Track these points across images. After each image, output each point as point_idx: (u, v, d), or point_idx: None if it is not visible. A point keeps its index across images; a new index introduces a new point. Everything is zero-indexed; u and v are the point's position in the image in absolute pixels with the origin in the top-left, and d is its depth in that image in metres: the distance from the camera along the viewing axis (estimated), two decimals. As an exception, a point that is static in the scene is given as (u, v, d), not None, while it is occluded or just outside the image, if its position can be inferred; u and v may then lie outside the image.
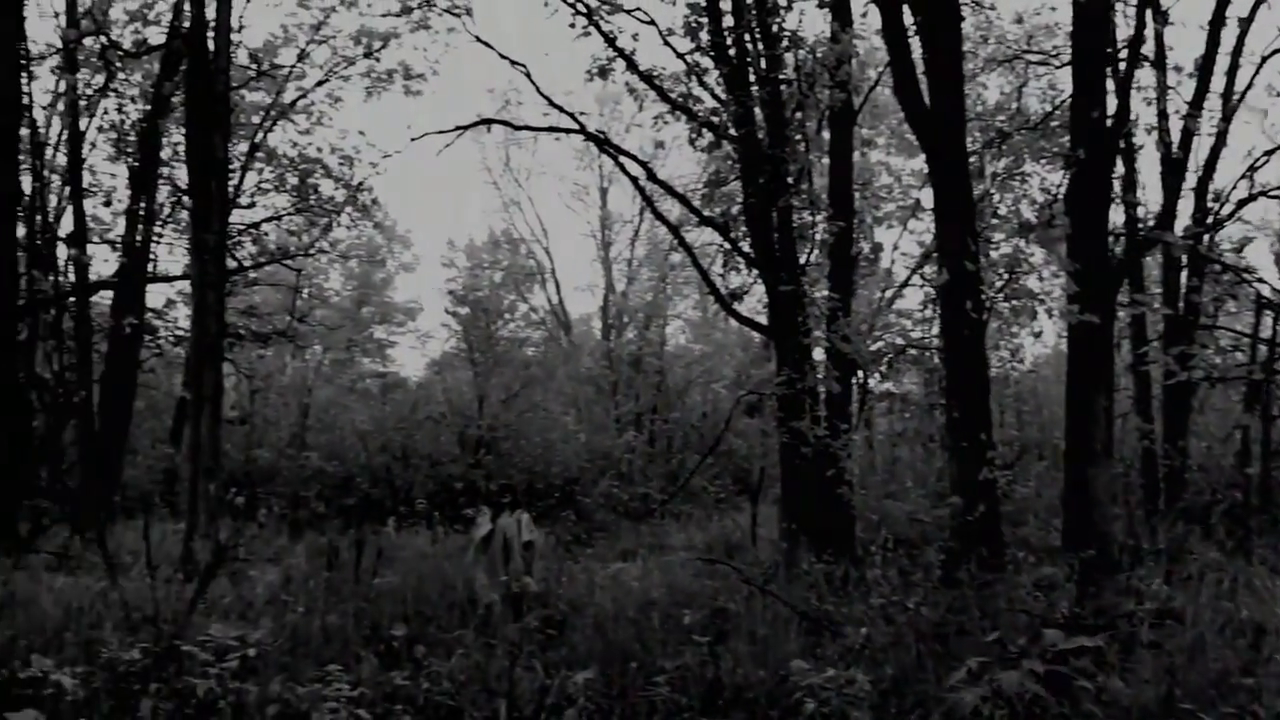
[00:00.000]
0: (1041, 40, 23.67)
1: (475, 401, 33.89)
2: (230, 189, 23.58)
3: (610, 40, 20.51)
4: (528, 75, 21.57)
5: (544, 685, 7.92)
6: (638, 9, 20.46)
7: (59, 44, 23.67)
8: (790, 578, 14.60)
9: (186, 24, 20.54)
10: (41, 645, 9.15)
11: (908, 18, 15.19)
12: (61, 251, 25.10)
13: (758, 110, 20.05)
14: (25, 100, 21.86)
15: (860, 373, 20.91)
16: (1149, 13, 16.39)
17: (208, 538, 16.28)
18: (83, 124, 25.08)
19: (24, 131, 22.05)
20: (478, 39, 21.86)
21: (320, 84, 27.78)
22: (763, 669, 8.72)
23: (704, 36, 20.18)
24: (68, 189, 25.31)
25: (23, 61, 21.12)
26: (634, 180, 23.62)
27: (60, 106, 25.63)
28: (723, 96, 20.38)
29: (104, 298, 26.79)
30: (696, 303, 44.92)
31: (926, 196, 24.77)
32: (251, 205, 28.39)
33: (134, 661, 8.05)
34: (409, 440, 32.05)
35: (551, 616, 12.22)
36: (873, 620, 10.32)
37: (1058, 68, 22.96)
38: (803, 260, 20.29)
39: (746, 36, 20.09)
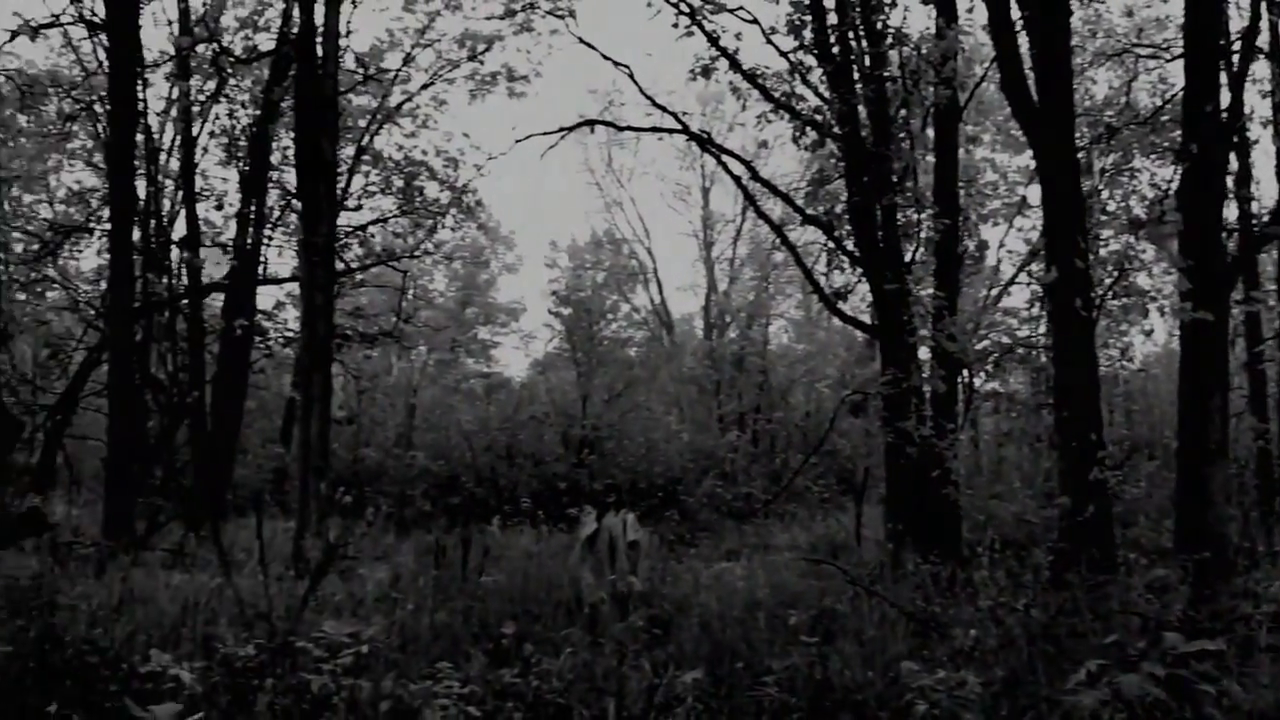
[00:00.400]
0: (1152, 33, 23.29)
1: (579, 401, 34.00)
2: (338, 192, 23.88)
3: (713, 40, 20.51)
4: (631, 76, 21.70)
5: (652, 684, 7.92)
6: (740, 8, 20.46)
7: (172, 51, 24.14)
8: (896, 578, 14.46)
9: (295, 30, 20.85)
10: (160, 640, 9.33)
11: (1015, 12, 15.02)
12: (175, 255, 25.68)
13: (862, 108, 19.93)
14: (140, 107, 22.35)
15: (966, 372, 20.69)
16: (1264, 4, 16.04)
17: (318, 536, 16.55)
18: (195, 129, 25.61)
19: (139, 138, 22.55)
20: (581, 40, 21.99)
21: (425, 87, 28.10)
22: (871, 670, 8.65)
23: (807, 35, 20.11)
24: (181, 193, 25.84)
25: (138, 69, 21.57)
26: (737, 179, 23.55)
27: (173, 113, 26.17)
28: (826, 95, 20.29)
29: (215, 300, 27.34)
30: (799, 302, 44.77)
31: (1033, 193, 24.43)
32: (358, 208, 28.81)
33: (249, 657, 8.20)
34: (513, 440, 32.25)
35: (657, 616, 12.20)
36: (981, 622, 10.19)
37: (1168, 61, 22.56)
38: (908, 258, 20.12)
39: (850, 34, 19.97)
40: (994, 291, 25.39)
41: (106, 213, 24.16)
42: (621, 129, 23.55)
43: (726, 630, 10.75)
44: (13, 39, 16.18)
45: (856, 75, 19.96)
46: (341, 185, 25.98)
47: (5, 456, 21.17)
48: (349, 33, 23.17)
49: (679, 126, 22.02)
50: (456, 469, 31.48)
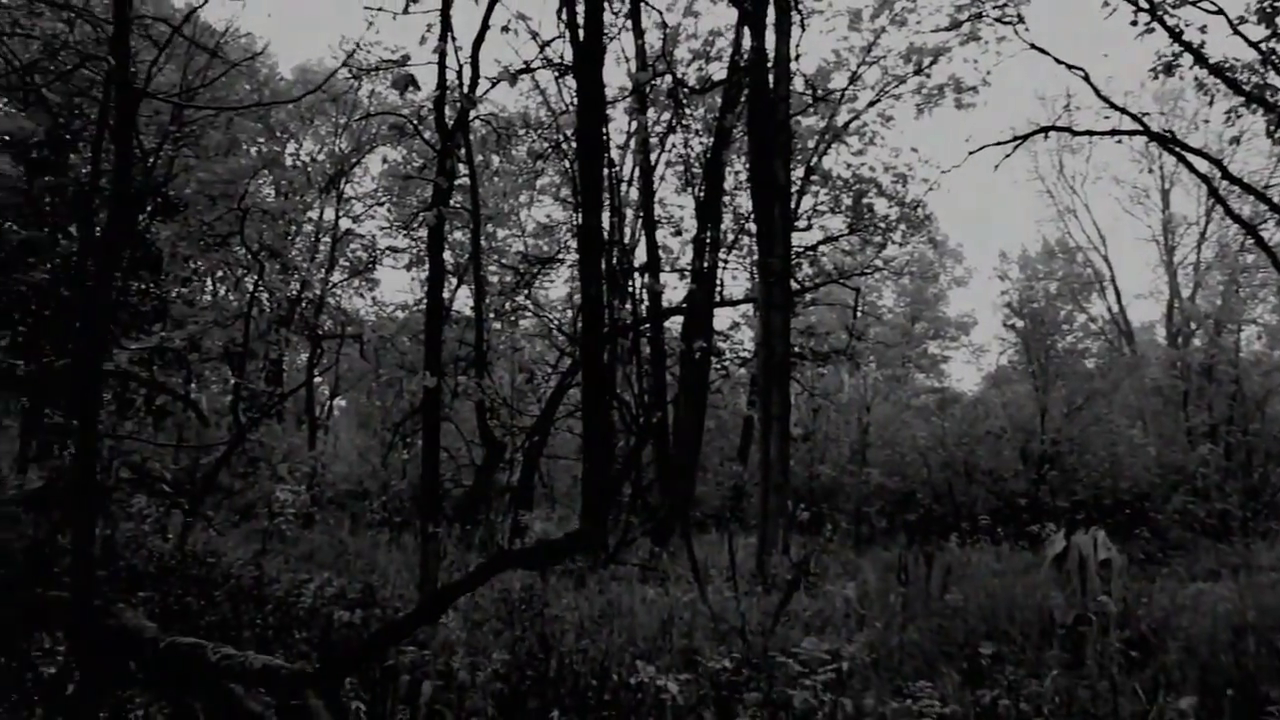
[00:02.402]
0: None
1: (1036, 415, 33.06)
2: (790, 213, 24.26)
3: (1176, 35, 19.57)
4: (1086, 78, 21.00)
5: (1143, 710, 7.62)
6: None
7: (631, 86, 25.19)
8: (1405, 603, 13.29)
9: (746, 58, 21.35)
10: (642, 652, 9.72)
11: None
12: (636, 280, 26.76)
13: (1346, 96, 18.53)
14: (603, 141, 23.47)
15: None
16: None
17: (783, 552, 16.82)
18: (653, 159, 26.64)
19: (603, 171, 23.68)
20: (1032, 46, 21.45)
21: (872, 104, 28.19)
22: (1391, 703, 8.00)
23: (1280, 21, 18.87)
24: (641, 221, 26.93)
25: (602, 107, 22.64)
26: (1204, 179, 22.41)
27: (632, 145, 27.34)
28: (1304, 84, 18.98)
29: (675, 322, 28.30)
30: (1275, 305, 41.89)
31: None
32: (808, 227, 29.18)
33: (727, 670, 8.43)
34: (970, 455, 31.73)
35: (1133, 638, 11.70)
36: None
37: None
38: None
39: (1332, 16, 18.60)
40: None
41: (574, 243, 25.47)
42: (1079, 134, 22.82)
43: (1217, 655, 10.16)
44: (494, 86, 17.34)
45: (1341, 60, 18.57)
46: (792, 206, 26.37)
47: (490, 476, 22.60)
48: (798, 56, 23.55)
49: (1139, 127, 21.13)
50: (912, 485, 31.30)
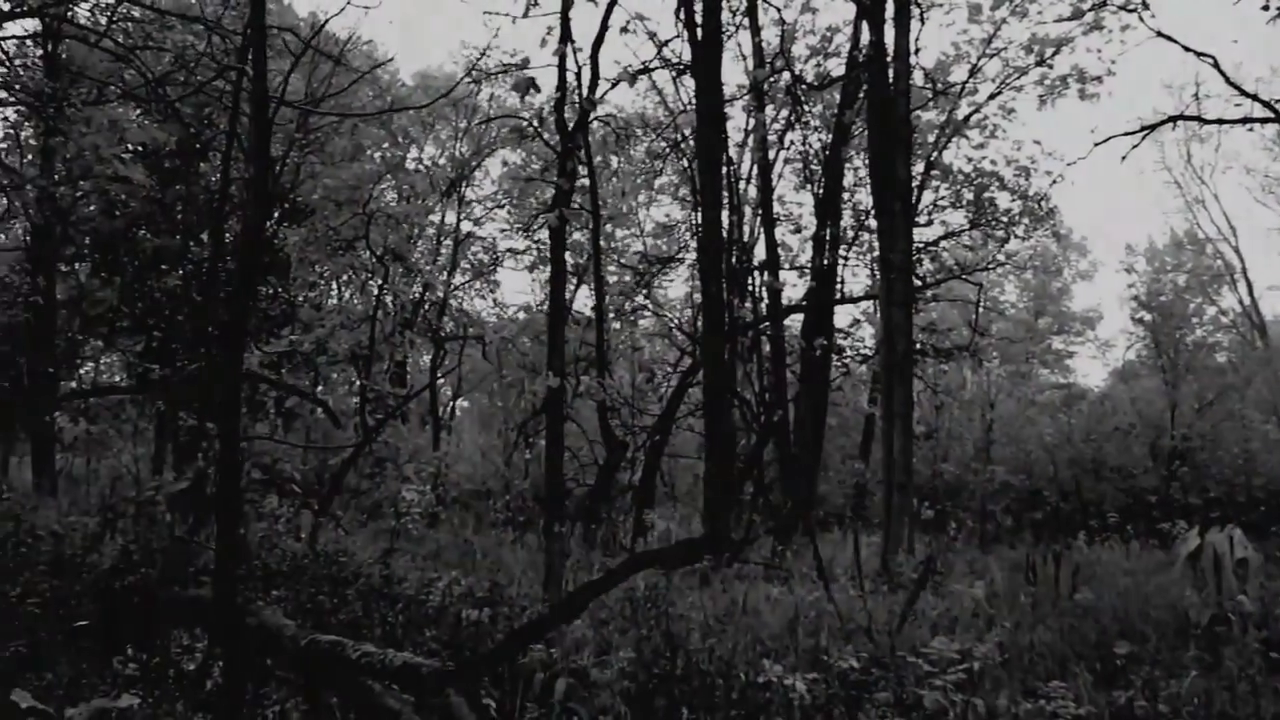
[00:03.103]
0: None
1: (1166, 411, 32.38)
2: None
3: (1310, 19, 19.06)
4: (1215, 65, 20.50)
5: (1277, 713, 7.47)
6: (1342, -21, 18.88)
7: (748, 84, 25.20)
8: None
9: (864, 53, 21.22)
10: (767, 651, 9.72)
11: None
12: (755, 278, 26.77)
13: None
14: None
15: None
16: None
17: (910, 551, 16.70)
18: (771, 156, 26.58)
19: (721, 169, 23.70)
20: (1158, 33, 21.00)
21: (992, 97, 27.78)
22: None
23: None
24: (759, 219, 26.89)
25: (721, 105, 22.67)
26: (1339, 167, 21.73)
27: (750, 143, 27.30)
28: None
29: (795, 320, 28.22)
30: None
31: None
32: (929, 223, 28.88)
33: (855, 670, 8.40)
34: (1098, 452, 31.17)
35: (1272, 638, 11.44)
36: None
37: None
38: None
39: None
40: None
41: (693, 243, 25.50)
42: (1208, 122, 22.33)
43: (1364, 657, 9.91)
44: (613, 87, 17.47)
45: None
46: (913, 201, 26.14)
47: (612, 475, 22.74)
48: (917, 51, 23.33)
49: (1271, 115, 20.60)
50: (1038, 483, 30.86)
